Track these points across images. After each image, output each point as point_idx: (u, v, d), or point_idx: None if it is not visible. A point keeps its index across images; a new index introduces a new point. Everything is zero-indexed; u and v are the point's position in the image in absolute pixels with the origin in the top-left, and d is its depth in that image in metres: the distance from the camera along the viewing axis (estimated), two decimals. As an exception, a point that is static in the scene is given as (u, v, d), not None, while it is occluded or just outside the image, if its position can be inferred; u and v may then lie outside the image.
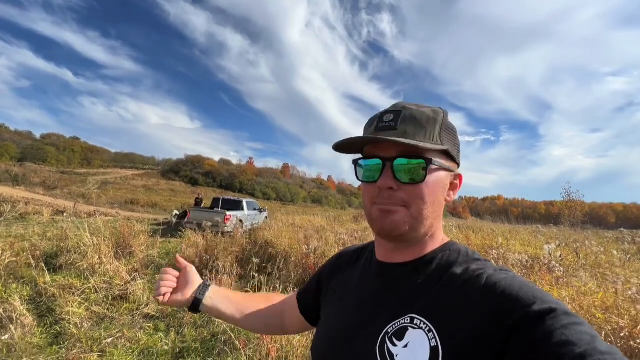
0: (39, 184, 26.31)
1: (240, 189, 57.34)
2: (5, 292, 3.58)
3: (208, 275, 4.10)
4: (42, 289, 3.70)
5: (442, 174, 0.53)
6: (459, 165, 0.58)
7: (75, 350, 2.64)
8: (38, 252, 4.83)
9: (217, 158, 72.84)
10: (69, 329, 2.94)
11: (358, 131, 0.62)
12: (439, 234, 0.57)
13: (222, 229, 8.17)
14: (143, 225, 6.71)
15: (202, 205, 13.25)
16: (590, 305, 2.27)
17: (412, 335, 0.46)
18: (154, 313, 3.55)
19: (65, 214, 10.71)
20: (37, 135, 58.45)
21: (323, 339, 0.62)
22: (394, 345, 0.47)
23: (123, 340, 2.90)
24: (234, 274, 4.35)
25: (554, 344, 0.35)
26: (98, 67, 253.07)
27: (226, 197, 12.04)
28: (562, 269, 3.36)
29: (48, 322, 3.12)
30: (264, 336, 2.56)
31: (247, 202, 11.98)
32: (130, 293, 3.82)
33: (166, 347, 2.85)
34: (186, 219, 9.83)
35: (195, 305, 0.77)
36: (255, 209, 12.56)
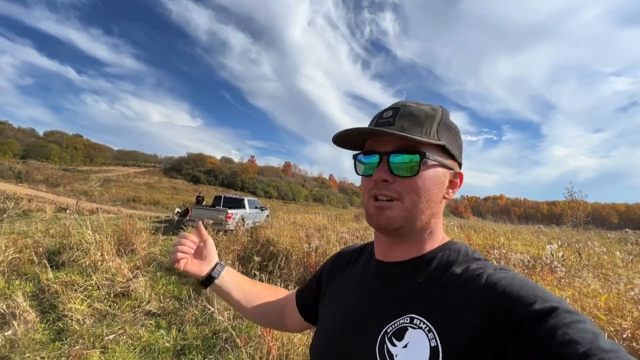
0: (42, 181, 26.48)
1: (242, 187, 57.42)
2: (8, 289, 3.61)
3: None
4: (45, 285, 3.72)
5: (439, 170, 0.53)
6: (461, 164, 0.57)
7: (77, 347, 2.66)
8: (41, 249, 4.86)
9: (218, 156, 73.04)
10: (72, 326, 2.96)
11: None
12: (439, 232, 0.56)
13: (223, 227, 8.19)
14: (145, 223, 6.75)
15: (204, 203, 13.28)
16: (593, 307, 2.26)
17: (411, 335, 0.46)
18: (156, 310, 3.57)
19: (67, 211, 10.78)
20: (40, 132, 58.72)
21: (322, 339, 0.62)
22: (394, 345, 0.47)
23: (125, 337, 2.92)
24: (235, 272, 4.36)
25: (556, 343, 0.35)
26: (101, 65, 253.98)
27: (228, 195, 12.06)
28: (564, 270, 3.35)
29: (51, 318, 3.14)
30: (265, 334, 2.57)
31: (248, 201, 12.00)
32: (132, 290, 3.84)
33: (167, 344, 2.87)
34: (188, 217, 9.87)
35: (207, 281, 0.77)
36: (256, 207, 12.58)
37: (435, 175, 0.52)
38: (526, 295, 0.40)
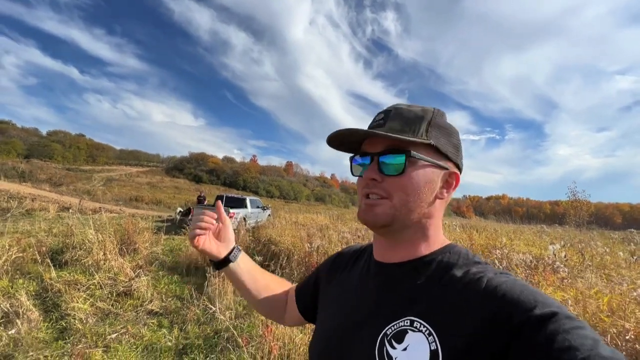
0: (45, 181, 26.62)
1: (244, 186, 57.54)
2: (12, 288, 3.63)
3: (211, 273, 4.12)
4: (48, 284, 3.74)
5: (429, 169, 0.53)
6: (458, 165, 0.57)
7: (80, 346, 2.67)
8: (44, 248, 4.89)
9: (220, 156, 73.31)
10: (74, 325, 2.98)
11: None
12: (437, 234, 0.56)
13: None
14: (147, 222, 6.76)
15: (206, 202, 13.32)
16: (596, 308, 2.24)
17: (411, 338, 0.46)
18: (158, 309, 3.58)
19: (70, 211, 10.85)
20: (44, 132, 59.14)
21: (321, 339, 0.62)
22: (393, 348, 0.47)
23: (127, 336, 2.93)
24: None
25: (555, 349, 0.35)
26: (103, 65, 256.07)
27: (230, 195, 12.11)
28: (566, 270, 3.33)
29: (54, 317, 3.16)
30: (266, 334, 2.57)
31: (250, 200, 12.01)
32: (134, 289, 3.86)
33: (169, 344, 2.88)
34: (190, 216, 9.90)
35: (223, 263, 0.77)
36: (258, 207, 12.61)
37: (424, 174, 0.52)
38: (526, 300, 0.40)
